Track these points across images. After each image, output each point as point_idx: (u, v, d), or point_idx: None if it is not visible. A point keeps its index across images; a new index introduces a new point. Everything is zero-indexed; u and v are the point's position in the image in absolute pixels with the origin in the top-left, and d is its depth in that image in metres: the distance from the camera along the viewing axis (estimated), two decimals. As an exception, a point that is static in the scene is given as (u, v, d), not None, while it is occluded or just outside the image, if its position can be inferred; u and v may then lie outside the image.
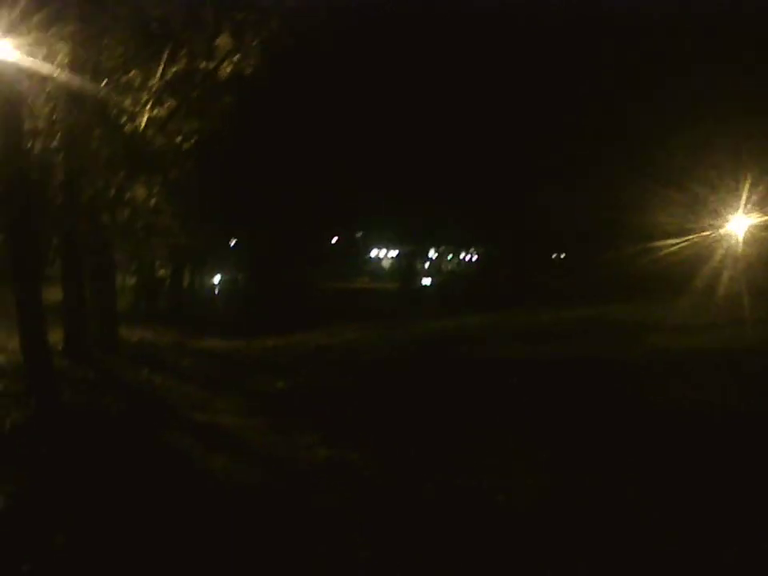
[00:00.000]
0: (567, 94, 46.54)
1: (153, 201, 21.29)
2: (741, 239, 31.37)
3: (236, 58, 17.52)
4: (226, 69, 17.20)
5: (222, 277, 62.15)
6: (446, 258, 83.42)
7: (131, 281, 41.35)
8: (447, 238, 73.59)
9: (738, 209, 31.38)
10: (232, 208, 37.25)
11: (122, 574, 6.96)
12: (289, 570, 7.03)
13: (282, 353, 24.54)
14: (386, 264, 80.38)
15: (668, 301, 27.42)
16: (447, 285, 63.68)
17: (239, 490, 9.39)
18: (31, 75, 12.48)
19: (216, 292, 58.18)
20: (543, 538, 7.55)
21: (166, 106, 16.11)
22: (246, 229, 47.48)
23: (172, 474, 10.24)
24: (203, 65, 16.93)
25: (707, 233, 33.28)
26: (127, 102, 15.28)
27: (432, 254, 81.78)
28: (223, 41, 16.91)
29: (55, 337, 18.58)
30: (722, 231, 33.01)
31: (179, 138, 17.89)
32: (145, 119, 15.52)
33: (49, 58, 12.51)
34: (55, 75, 12.72)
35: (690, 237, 33.51)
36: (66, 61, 12.98)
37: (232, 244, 53.27)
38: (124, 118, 15.57)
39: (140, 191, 20.72)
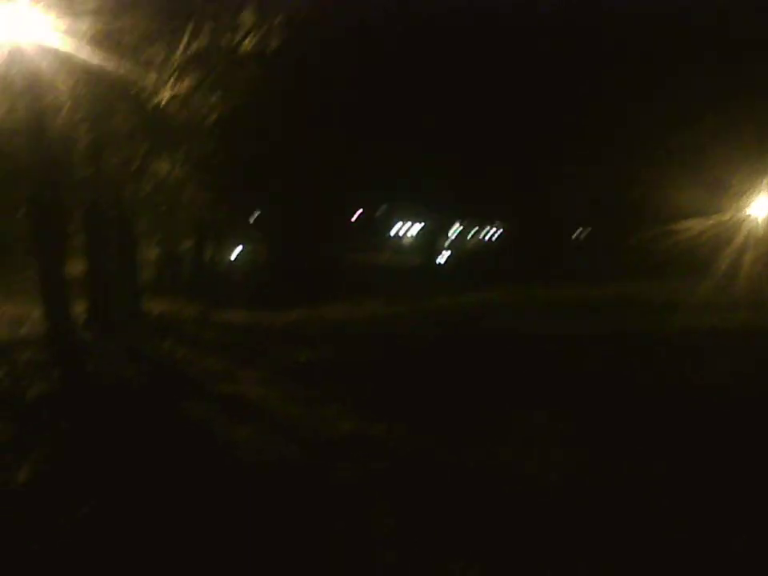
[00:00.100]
0: (593, 72, 46.13)
1: (176, 174, 21.31)
2: (763, 221, 31.15)
3: (260, 32, 17.49)
4: (250, 44, 17.18)
5: (242, 250, 62.09)
6: (469, 232, 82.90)
7: (154, 253, 41.39)
8: (470, 212, 73.09)
9: (760, 191, 31.13)
10: (255, 181, 37.16)
11: (146, 545, 7.03)
12: (308, 544, 7.07)
13: (305, 325, 24.57)
14: (408, 238, 79.98)
15: (691, 281, 27.25)
16: (468, 259, 63.34)
17: (262, 461, 9.47)
18: (53, 50, 12.51)
19: (237, 265, 58.12)
20: (568, 513, 7.57)
21: (188, 80, 16.09)
22: (269, 202, 47.37)
23: (195, 446, 10.34)
24: (227, 40, 16.91)
25: (730, 214, 33.07)
26: (150, 77, 15.26)
27: (455, 228, 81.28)
28: (247, 16, 16.85)
29: (78, 309, 18.72)
30: (744, 213, 32.80)
31: (202, 113, 17.86)
32: (168, 94, 15.51)
33: (71, 32, 12.51)
34: (77, 50, 12.72)
35: (713, 218, 33.31)
36: (89, 35, 12.98)
37: (254, 217, 53.11)
38: (147, 93, 15.55)
39: (163, 164, 20.74)
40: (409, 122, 51.28)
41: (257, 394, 13.66)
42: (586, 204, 47.49)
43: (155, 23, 15.23)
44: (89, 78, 13.76)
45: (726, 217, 33.65)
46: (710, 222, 33.70)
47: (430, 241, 72.80)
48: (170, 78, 15.59)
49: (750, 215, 33.89)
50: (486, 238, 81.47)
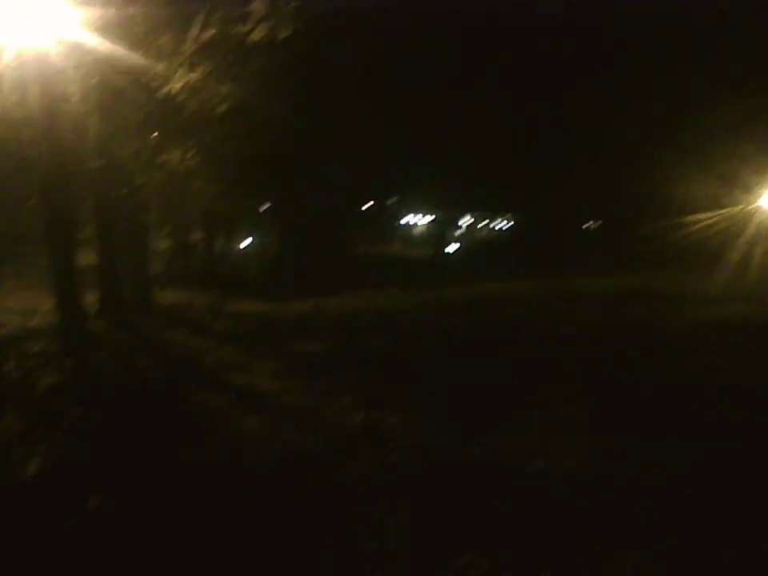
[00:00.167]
0: (603, 64, 46.06)
1: (186, 164, 21.31)
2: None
3: (270, 22, 17.44)
4: (260, 33, 17.13)
5: (251, 240, 62.17)
6: (480, 224, 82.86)
7: (165, 244, 41.48)
8: (481, 204, 73.04)
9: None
10: (265, 172, 37.16)
11: (156, 536, 7.00)
12: (322, 536, 7.02)
13: (316, 316, 24.54)
14: (419, 230, 79.98)
15: (701, 273, 27.16)
16: (477, 251, 63.26)
17: (275, 452, 9.43)
18: (63, 40, 12.49)
19: (248, 255, 58.19)
20: (585, 503, 7.51)
21: (199, 70, 16.07)
22: (280, 193, 47.37)
23: (207, 437, 10.29)
24: (237, 29, 16.87)
25: (740, 207, 33.01)
26: (161, 66, 15.24)
27: (466, 220, 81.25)
28: (257, 5, 16.81)
29: (90, 299, 18.75)
30: (754, 205, 32.73)
31: (213, 102, 17.83)
32: (178, 83, 15.49)
33: (81, 22, 12.49)
34: (88, 40, 12.71)
35: (723, 211, 33.26)
36: (100, 25, 12.96)
37: (263, 208, 53.17)
38: (157, 83, 15.54)
39: (174, 155, 20.73)
40: (420, 113, 51.21)
41: (269, 385, 13.60)
42: (597, 196, 47.39)
43: (166, 13, 15.21)
44: (99, 67, 13.74)
45: (737, 209, 33.60)
46: (720, 214, 33.65)
47: (440, 232, 72.82)
48: (180, 68, 15.58)
49: (760, 207, 33.81)
50: (497, 229, 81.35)
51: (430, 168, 54.68)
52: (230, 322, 23.01)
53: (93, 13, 12.58)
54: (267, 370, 15.03)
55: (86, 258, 20.22)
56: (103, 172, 18.27)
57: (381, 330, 19.80)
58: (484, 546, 6.66)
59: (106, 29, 13.06)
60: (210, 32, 16.46)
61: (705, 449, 8.90)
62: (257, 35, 17.16)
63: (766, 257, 29.74)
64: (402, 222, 79.20)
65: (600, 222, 58.64)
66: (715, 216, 33.82)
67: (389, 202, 72.95)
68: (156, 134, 18.51)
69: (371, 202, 68.25)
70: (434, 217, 77.67)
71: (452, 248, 69.20)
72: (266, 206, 52.67)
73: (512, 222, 75.74)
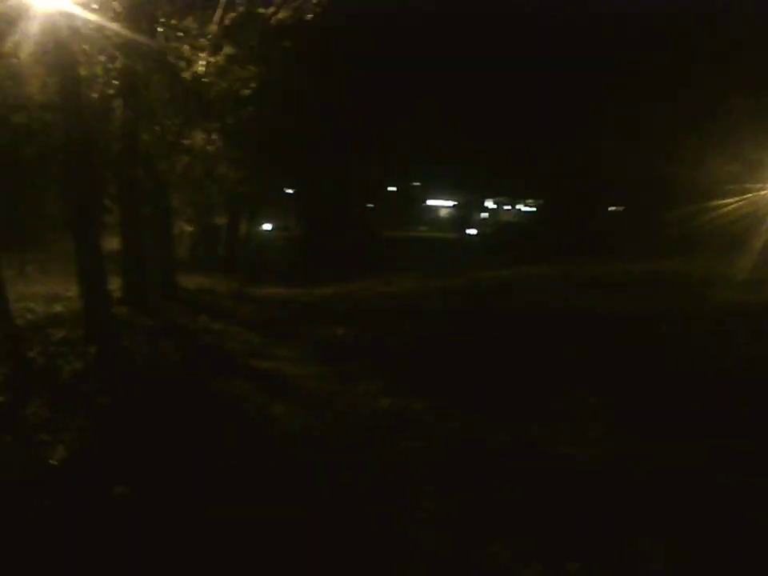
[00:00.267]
0: (627, 49, 45.81)
1: (211, 147, 21.24)
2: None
3: (294, 4, 17.30)
4: (284, 15, 16.99)
5: (276, 225, 62.25)
6: (503, 208, 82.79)
7: (189, 228, 41.54)
8: (505, 189, 73.02)
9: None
10: (289, 156, 37.12)
11: (183, 524, 6.92)
12: (349, 520, 6.95)
13: (340, 300, 24.49)
14: (443, 213, 79.97)
15: (727, 258, 26.88)
16: (497, 235, 63.06)
17: (300, 438, 9.37)
18: (87, 23, 12.36)
19: (272, 240, 58.24)
20: (610, 489, 7.41)
21: (223, 52, 15.94)
22: (304, 177, 47.33)
23: (232, 422, 10.23)
24: (261, 11, 16.74)
25: (765, 192, 32.69)
26: (185, 49, 15.12)
27: (490, 204, 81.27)
28: (281, -14, 16.71)
29: (114, 285, 18.69)
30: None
31: (237, 85, 17.71)
32: (202, 66, 15.37)
33: (105, 5, 12.37)
34: (112, 23, 12.59)
35: (748, 195, 32.92)
36: (123, 8, 12.84)
37: (287, 192, 53.23)
38: (182, 65, 15.42)
39: (198, 138, 20.66)
40: (446, 98, 51.13)
41: (294, 370, 13.54)
42: (621, 181, 47.15)
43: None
44: (123, 51, 13.60)
45: (762, 193, 33.26)
46: (746, 198, 33.32)
47: (465, 215, 72.81)
48: (204, 51, 15.46)
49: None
50: (521, 214, 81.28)
51: (456, 152, 54.60)
52: (254, 307, 22.95)
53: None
54: (291, 355, 15.00)
55: (110, 243, 20.14)
56: (127, 156, 18.19)
57: (405, 315, 19.68)
58: (511, 533, 6.57)
59: (130, 12, 12.94)
60: (234, 14, 16.34)
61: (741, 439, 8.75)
62: (281, 17, 17.03)
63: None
64: (427, 205, 79.24)
65: (625, 206, 58.32)
66: (740, 200, 33.46)
67: (414, 186, 72.96)
68: (180, 117, 18.40)
69: (396, 186, 68.30)
70: (455, 202, 77.73)
71: (472, 231, 69.08)
72: (290, 190, 52.68)
73: (536, 207, 75.58)
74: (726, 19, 43.14)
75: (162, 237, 24.35)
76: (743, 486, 7.38)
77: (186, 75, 15.58)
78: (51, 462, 8.35)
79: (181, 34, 14.88)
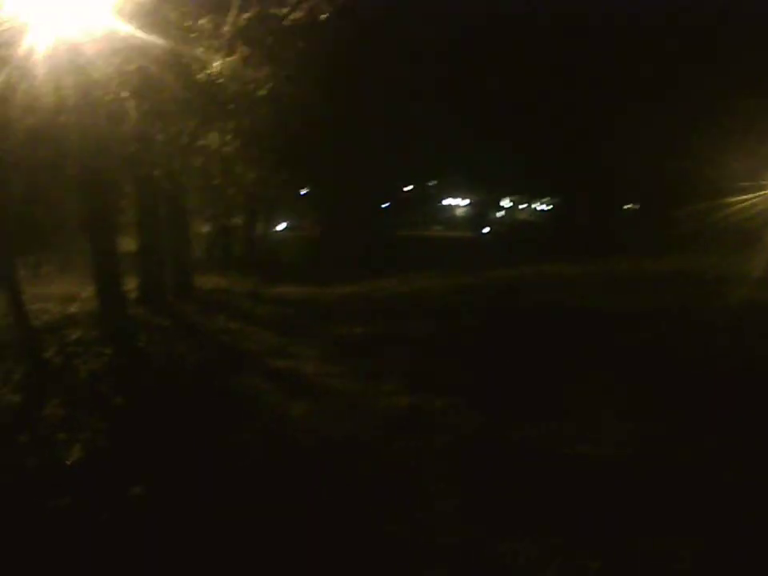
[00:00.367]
0: (641, 47, 45.63)
1: (226, 149, 21.26)
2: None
3: (309, 4, 17.30)
4: (299, 15, 16.99)
5: (292, 224, 62.32)
6: (520, 206, 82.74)
7: (204, 228, 41.63)
8: (521, 187, 72.92)
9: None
10: (305, 156, 37.13)
11: (199, 526, 6.90)
12: (368, 520, 6.93)
13: (358, 299, 24.47)
14: (459, 213, 79.95)
15: (742, 255, 26.71)
16: (513, 234, 62.90)
17: (319, 437, 9.36)
18: (100, 24, 12.39)
19: (288, 240, 58.30)
20: (631, 490, 7.33)
21: (238, 53, 15.94)
22: (319, 177, 47.35)
23: (251, 422, 10.23)
24: (276, 11, 16.73)
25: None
26: (198, 50, 15.13)
27: (506, 203, 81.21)
28: (296, -14, 16.68)
29: (130, 285, 18.77)
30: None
31: (252, 86, 17.72)
32: (217, 66, 15.38)
33: (118, 6, 12.39)
34: (125, 24, 12.61)
35: (763, 192, 32.80)
36: (136, 8, 12.86)
37: (302, 192, 53.28)
38: (196, 66, 15.44)
39: (213, 139, 20.68)
40: (460, 97, 51.08)
41: (312, 369, 13.55)
42: (636, 179, 47.01)
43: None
44: (137, 52, 13.63)
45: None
46: (760, 195, 33.19)
47: (481, 214, 72.76)
48: (218, 51, 15.46)
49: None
50: (537, 213, 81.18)
51: (471, 151, 54.54)
52: (271, 307, 22.99)
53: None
54: (310, 354, 14.99)
55: (126, 244, 20.24)
56: (142, 157, 18.25)
57: (423, 314, 19.67)
58: (531, 531, 6.52)
59: (143, 12, 12.95)
60: (249, 14, 16.34)
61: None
62: (296, 17, 17.02)
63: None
64: (443, 204, 79.23)
65: (640, 204, 58.14)
66: (756, 197, 33.32)
67: (429, 185, 72.96)
68: (195, 118, 18.43)
69: (412, 185, 68.30)
70: (469, 200, 77.74)
71: (486, 230, 68.97)
72: (306, 190, 52.71)
73: (552, 206, 75.47)
74: (741, 12, 42.96)
75: (178, 237, 24.44)
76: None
77: (201, 77, 15.59)
78: (67, 461, 8.38)
79: (195, 35, 14.89)
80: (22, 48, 11.56)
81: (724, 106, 36.44)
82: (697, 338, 14.58)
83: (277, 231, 59.63)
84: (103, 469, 8.23)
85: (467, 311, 19.83)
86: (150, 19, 13.19)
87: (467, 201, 78.76)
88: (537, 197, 78.71)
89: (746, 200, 33.35)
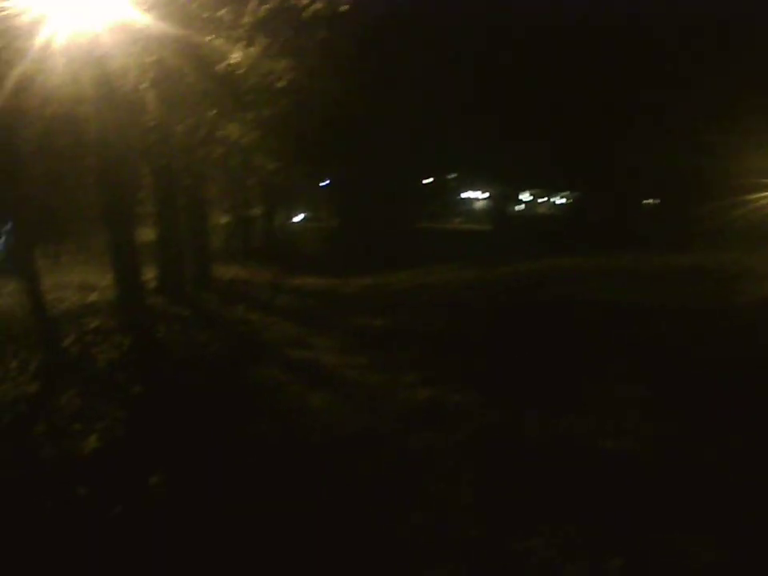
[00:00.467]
0: (661, 44, 45.45)
1: (245, 140, 21.27)
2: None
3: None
4: (320, 6, 16.95)
5: (311, 216, 62.37)
6: (539, 201, 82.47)
7: (223, 219, 41.70)
8: (541, 181, 72.69)
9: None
10: (325, 148, 37.11)
11: (217, 517, 6.91)
12: (386, 512, 6.93)
13: (377, 291, 24.45)
14: (479, 206, 79.72)
15: (762, 252, 26.52)
16: (538, 227, 62.69)
17: (338, 428, 9.37)
18: (120, 15, 12.39)
19: (307, 231, 58.31)
20: (648, 481, 7.32)
21: (257, 44, 15.92)
22: (339, 169, 47.31)
23: (269, 412, 10.25)
24: (296, 2, 16.70)
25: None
26: (218, 41, 15.13)
27: (525, 197, 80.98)
28: (315, -23, 16.64)
29: (149, 275, 18.81)
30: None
31: (272, 77, 17.71)
32: (236, 58, 15.37)
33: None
34: (144, 15, 12.60)
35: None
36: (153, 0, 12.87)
37: (322, 184, 53.29)
38: (215, 57, 15.43)
39: (233, 129, 20.69)
40: (481, 90, 50.93)
41: (332, 361, 13.55)
42: (656, 175, 46.84)
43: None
44: (157, 43, 13.64)
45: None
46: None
47: (501, 207, 72.58)
48: (238, 42, 15.44)
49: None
50: (556, 206, 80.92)
51: (493, 145, 54.39)
52: (290, 298, 23.00)
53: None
54: (329, 345, 15.01)
55: (145, 234, 20.29)
56: (161, 148, 18.27)
57: (442, 306, 19.63)
58: (552, 527, 6.48)
59: (162, 3, 12.95)
60: (268, 5, 16.30)
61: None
62: (316, 8, 16.98)
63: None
64: (463, 197, 79.06)
65: (660, 199, 57.85)
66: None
67: (449, 178, 72.79)
68: (214, 109, 18.44)
69: (432, 178, 68.15)
70: (489, 194, 77.57)
71: (506, 222, 68.76)
72: (326, 181, 52.73)
73: (571, 200, 75.15)
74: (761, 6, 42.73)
75: (197, 228, 24.48)
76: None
77: (220, 68, 15.58)
78: (84, 451, 8.40)
79: (214, 26, 14.88)
80: (41, 39, 11.58)
81: (746, 103, 36.22)
82: (717, 334, 14.48)
83: (294, 222, 59.65)
84: (120, 459, 8.24)
85: (485, 304, 19.77)
86: (169, 10, 13.19)
87: (486, 194, 78.49)
88: (556, 191, 78.41)
89: (762, 199, 33.22)
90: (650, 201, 59.50)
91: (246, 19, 15.30)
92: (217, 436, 9.03)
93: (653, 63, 45.04)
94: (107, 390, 11.10)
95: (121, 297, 14.72)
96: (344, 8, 17.08)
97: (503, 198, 74.91)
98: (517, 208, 79.61)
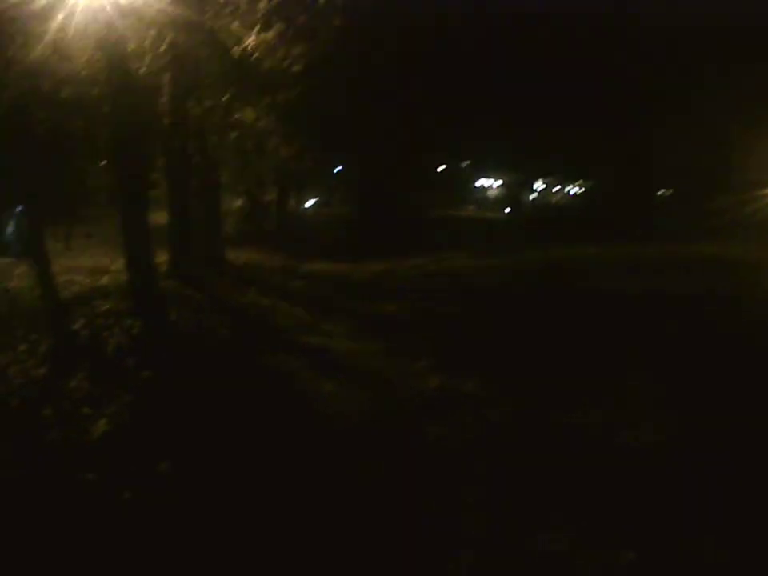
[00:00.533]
0: (681, 38, 45.28)
1: (261, 123, 21.24)
2: None
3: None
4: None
5: (324, 201, 62.30)
6: (553, 189, 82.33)
7: (236, 203, 41.66)
8: (555, 170, 72.60)
9: None
10: (339, 133, 37.03)
11: (226, 504, 6.90)
12: (395, 503, 6.89)
13: (389, 277, 24.38)
14: (492, 193, 79.62)
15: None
16: (552, 215, 62.56)
17: (348, 415, 9.35)
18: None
19: (320, 216, 58.26)
20: (659, 475, 7.30)
21: (274, 29, 15.87)
22: (353, 154, 47.23)
23: (280, 399, 10.23)
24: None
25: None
26: (234, 25, 15.09)
27: (539, 185, 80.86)
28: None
29: (161, 258, 18.78)
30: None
31: (287, 61, 17.65)
32: (252, 42, 15.32)
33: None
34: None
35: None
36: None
37: (336, 169, 53.22)
38: (231, 41, 15.39)
39: (248, 113, 20.67)
40: (496, 76, 50.79)
41: (343, 346, 13.52)
42: (671, 165, 46.72)
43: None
44: (173, 26, 13.59)
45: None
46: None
47: (514, 195, 72.47)
48: (254, 27, 15.39)
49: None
50: (568, 195, 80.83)
51: (507, 132, 54.27)
52: (302, 282, 22.94)
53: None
54: (341, 331, 14.97)
55: (158, 217, 20.23)
56: (176, 130, 18.25)
57: (455, 293, 19.60)
58: (564, 521, 6.47)
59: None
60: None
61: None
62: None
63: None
64: (476, 185, 78.93)
65: (674, 190, 57.73)
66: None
67: (463, 165, 72.66)
68: (229, 93, 18.42)
69: (445, 165, 68.06)
70: (501, 181, 77.48)
71: (507, 210, 68.62)
72: (340, 167, 52.66)
73: (585, 188, 75.03)
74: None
75: (210, 211, 24.45)
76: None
77: (236, 52, 15.54)
78: (93, 436, 8.39)
79: (230, 9, 14.84)
80: (57, 21, 11.55)
81: (766, 98, 36.11)
82: (737, 324, 14.40)
83: (306, 207, 59.61)
84: (129, 444, 8.22)
85: (498, 291, 19.74)
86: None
87: (500, 181, 78.37)
88: (571, 179, 78.29)
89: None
90: (663, 191, 59.36)
91: (262, 4, 15.26)
92: (227, 422, 9.00)
93: (677, 56, 44.90)
94: (117, 373, 11.07)
95: (132, 280, 14.70)
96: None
97: (518, 186, 74.78)
98: (530, 197, 79.49)
